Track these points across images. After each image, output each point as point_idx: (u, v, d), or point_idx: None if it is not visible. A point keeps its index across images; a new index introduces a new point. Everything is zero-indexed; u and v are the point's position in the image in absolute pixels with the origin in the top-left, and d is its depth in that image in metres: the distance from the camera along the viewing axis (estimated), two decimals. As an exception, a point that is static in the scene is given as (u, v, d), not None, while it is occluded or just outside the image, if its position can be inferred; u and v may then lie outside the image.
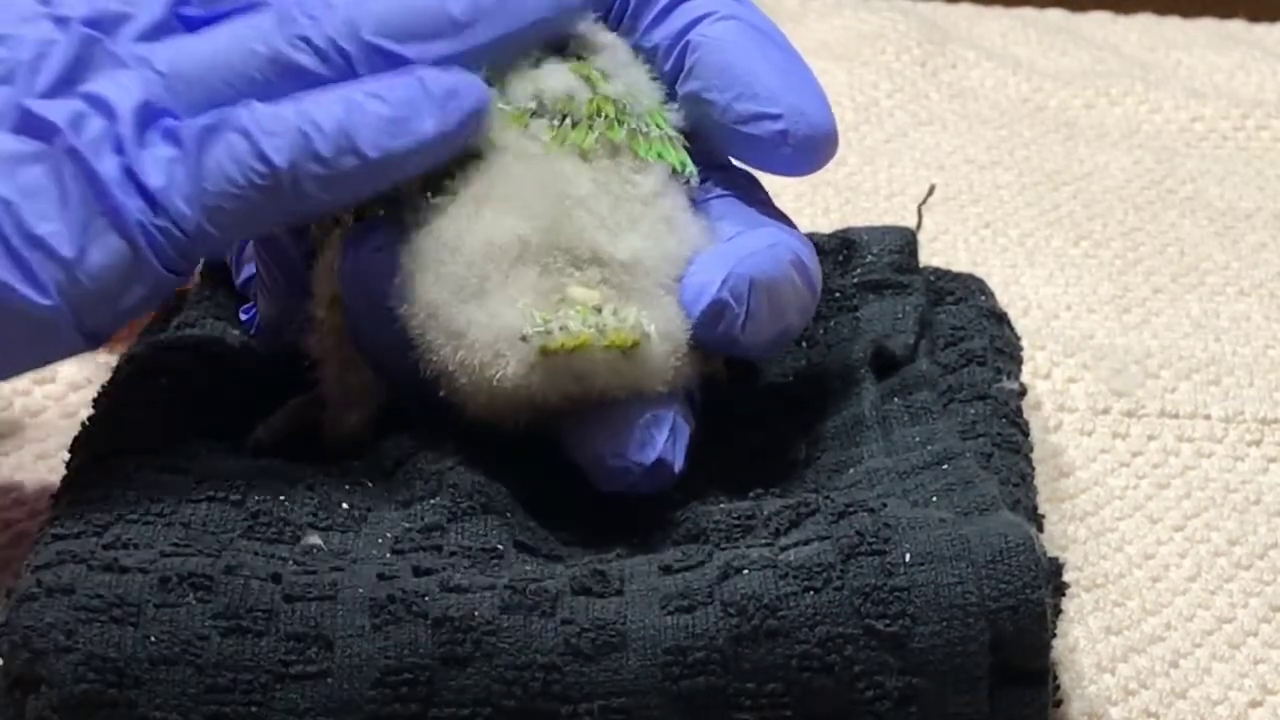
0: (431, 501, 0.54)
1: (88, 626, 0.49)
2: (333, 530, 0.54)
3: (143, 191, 0.53)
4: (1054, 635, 0.52)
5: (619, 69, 0.58)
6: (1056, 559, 0.53)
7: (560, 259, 0.54)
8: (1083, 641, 0.59)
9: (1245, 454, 0.69)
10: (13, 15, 0.55)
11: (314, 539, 0.53)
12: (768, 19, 0.58)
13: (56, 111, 0.53)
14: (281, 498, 0.54)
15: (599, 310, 0.53)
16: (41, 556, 0.52)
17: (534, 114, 0.56)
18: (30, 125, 0.53)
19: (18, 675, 0.49)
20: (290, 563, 0.52)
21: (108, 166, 0.53)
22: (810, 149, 0.57)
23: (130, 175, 0.53)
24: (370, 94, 0.54)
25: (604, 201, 0.55)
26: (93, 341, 0.54)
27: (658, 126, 0.57)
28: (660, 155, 0.56)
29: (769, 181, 0.60)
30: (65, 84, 0.54)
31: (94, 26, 0.55)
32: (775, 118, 0.57)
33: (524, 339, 0.53)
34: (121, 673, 0.49)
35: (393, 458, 0.57)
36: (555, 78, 0.57)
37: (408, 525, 0.54)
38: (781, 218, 0.59)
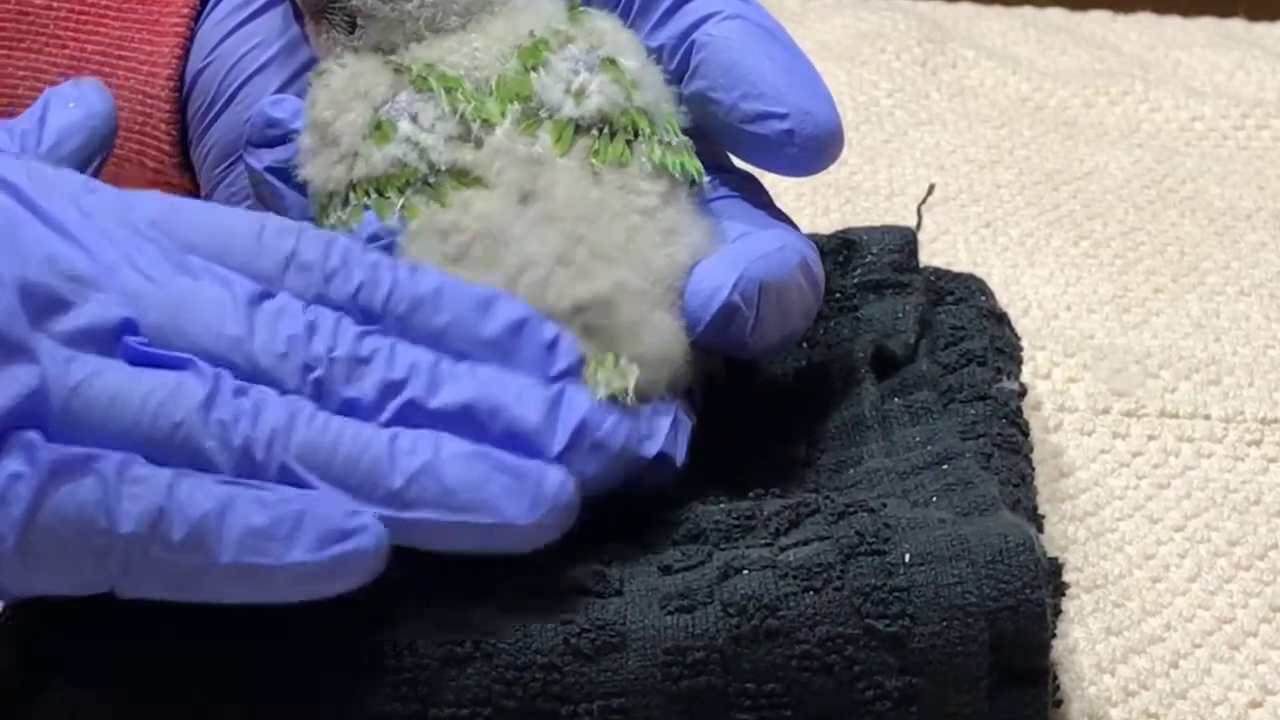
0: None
1: (86, 630, 0.49)
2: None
3: None
4: (1054, 635, 0.52)
5: (643, 72, 0.57)
6: (1056, 559, 0.53)
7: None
8: (1083, 642, 0.59)
9: (1245, 454, 0.69)
10: None
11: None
12: (773, 18, 0.58)
13: None
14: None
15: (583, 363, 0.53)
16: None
17: (577, 129, 0.55)
18: None
19: (19, 678, 0.49)
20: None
21: None
22: (816, 148, 0.57)
23: None
24: (254, 499, 0.48)
25: (588, 228, 0.54)
26: None
27: (676, 135, 0.57)
28: (683, 166, 0.56)
29: (769, 181, 0.60)
30: None
31: (27, 301, 0.48)
32: (781, 117, 0.57)
33: None
34: (121, 674, 0.49)
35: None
36: (595, 85, 0.56)
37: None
38: (782, 218, 0.59)
